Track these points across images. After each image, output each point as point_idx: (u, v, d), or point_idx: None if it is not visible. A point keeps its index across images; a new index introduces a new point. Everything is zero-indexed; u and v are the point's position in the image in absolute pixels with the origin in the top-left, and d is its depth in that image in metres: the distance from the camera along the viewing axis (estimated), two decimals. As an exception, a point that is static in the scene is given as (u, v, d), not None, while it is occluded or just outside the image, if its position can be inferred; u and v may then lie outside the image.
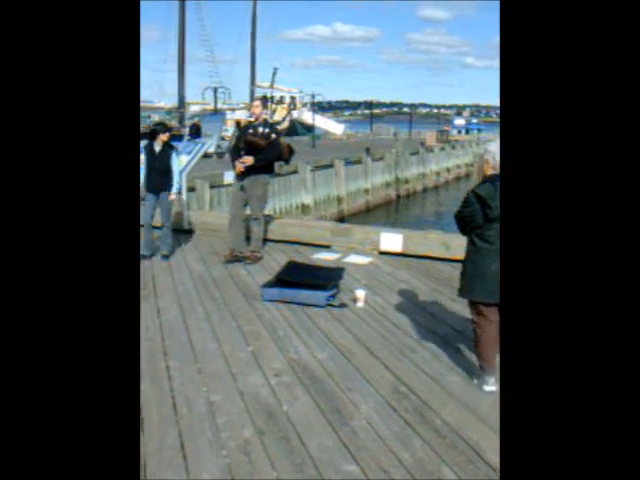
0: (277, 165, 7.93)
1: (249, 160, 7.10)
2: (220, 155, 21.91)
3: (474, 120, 73.11)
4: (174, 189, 7.52)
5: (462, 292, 4.18)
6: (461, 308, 5.62)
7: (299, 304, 5.63)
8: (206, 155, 16.88)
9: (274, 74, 44.41)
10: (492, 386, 3.94)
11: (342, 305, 5.63)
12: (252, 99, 9.55)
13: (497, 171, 3.87)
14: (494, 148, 4.01)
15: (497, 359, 3.83)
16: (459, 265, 6.98)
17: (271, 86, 44.49)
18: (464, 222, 4.08)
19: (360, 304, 5.65)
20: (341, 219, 21.71)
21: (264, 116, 7.61)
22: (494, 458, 3.09)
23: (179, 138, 22.33)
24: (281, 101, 45.04)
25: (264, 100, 9.30)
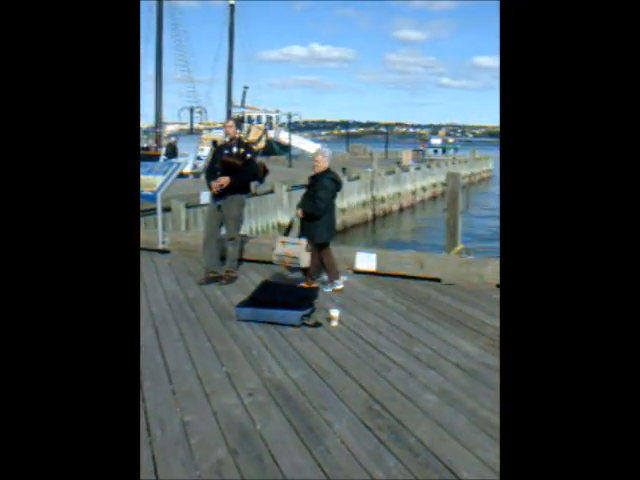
0: (253, 185, 7.95)
1: (226, 181, 7.12)
2: (196, 175, 21.90)
3: (450, 139, 73.57)
4: None
5: (319, 239, 6.83)
6: (436, 327, 5.67)
7: (273, 323, 5.63)
8: (182, 175, 16.85)
9: (244, 93, 45.00)
10: (340, 285, 6.94)
11: (316, 324, 5.64)
12: (228, 119, 9.57)
13: (328, 165, 6.93)
14: (321, 150, 7.20)
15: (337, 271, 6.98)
16: (434, 284, 7.17)
17: (242, 104, 44.89)
18: (328, 198, 6.79)
19: (334, 323, 5.66)
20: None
21: (238, 135, 7.64)
22: (468, 476, 3.11)
23: (155, 158, 22.30)
24: (258, 121, 45.29)
25: (238, 121, 9.38)
